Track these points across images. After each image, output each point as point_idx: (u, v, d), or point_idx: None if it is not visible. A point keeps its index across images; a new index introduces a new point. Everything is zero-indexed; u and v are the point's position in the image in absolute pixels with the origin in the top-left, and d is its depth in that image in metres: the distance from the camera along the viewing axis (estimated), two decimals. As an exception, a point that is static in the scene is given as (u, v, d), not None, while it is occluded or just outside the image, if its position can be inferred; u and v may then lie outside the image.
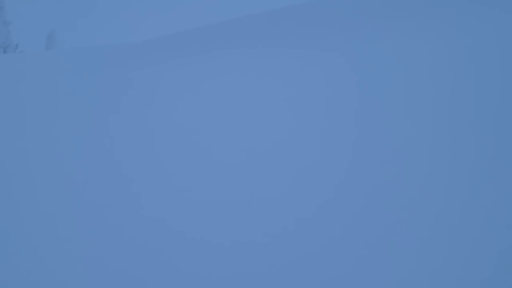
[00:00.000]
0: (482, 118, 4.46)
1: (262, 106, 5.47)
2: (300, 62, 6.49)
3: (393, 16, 7.66)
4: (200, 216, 3.77)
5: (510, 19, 6.39)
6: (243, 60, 6.99)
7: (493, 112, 4.52)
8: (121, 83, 7.18)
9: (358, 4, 8.61)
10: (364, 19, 7.71)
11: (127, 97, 6.51)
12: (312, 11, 8.84)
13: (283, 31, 8.13)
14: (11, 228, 3.84)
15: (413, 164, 4.01)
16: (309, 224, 3.54)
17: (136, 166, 4.56)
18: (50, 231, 3.76)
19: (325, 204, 3.69)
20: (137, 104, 6.16)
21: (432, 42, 6.23)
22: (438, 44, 6.11)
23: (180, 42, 8.98)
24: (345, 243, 3.33)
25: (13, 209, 4.09)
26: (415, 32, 6.73)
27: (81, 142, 5.23)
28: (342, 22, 7.88)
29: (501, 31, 6.06)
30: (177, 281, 3.18)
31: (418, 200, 3.62)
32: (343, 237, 3.37)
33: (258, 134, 4.87)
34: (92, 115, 6.04)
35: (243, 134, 4.93)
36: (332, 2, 9.20)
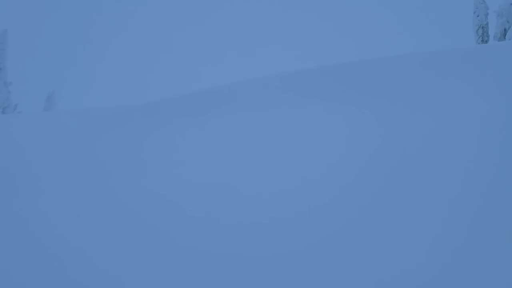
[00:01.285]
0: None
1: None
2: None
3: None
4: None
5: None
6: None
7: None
8: (123, 146, 7.27)
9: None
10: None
11: (129, 160, 6.60)
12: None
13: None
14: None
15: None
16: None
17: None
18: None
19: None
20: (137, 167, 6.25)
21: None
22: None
23: (182, 104, 9.15)
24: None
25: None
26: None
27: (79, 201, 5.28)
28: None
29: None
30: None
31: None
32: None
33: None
34: (91, 175, 6.10)
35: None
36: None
